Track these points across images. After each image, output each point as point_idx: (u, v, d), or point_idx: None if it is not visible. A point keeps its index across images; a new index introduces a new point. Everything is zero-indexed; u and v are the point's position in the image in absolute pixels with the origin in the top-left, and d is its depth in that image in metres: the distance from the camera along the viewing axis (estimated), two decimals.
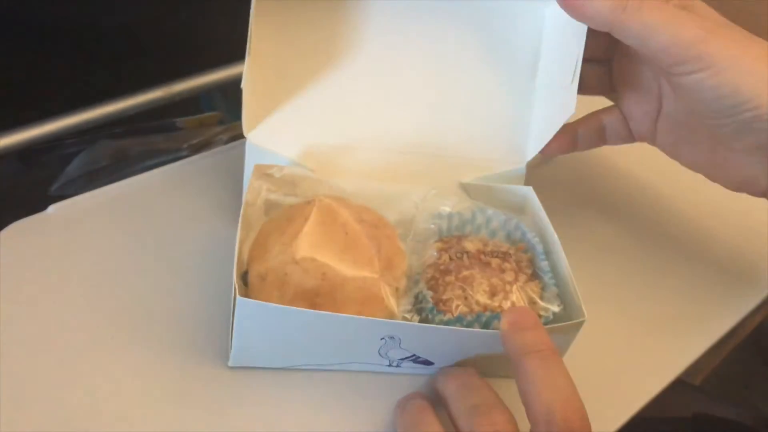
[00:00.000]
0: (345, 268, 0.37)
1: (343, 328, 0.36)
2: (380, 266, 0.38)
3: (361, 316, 0.36)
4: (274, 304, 0.35)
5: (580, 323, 0.37)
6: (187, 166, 0.52)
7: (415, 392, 0.39)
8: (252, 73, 0.43)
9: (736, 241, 0.52)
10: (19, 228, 0.44)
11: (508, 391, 0.36)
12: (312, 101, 0.46)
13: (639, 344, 0.45)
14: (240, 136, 0.45)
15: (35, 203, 0.47)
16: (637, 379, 0.43)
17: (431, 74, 0.48)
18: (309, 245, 0.38)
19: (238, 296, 0.34)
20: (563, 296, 0.40)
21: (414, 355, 0.38)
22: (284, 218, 0.40)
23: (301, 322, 0.36)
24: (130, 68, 0.59)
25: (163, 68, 0.60)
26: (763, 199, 0.44)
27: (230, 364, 0.39)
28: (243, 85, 0.43)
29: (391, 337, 0.37)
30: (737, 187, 0.44)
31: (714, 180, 0.45)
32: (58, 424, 0.36)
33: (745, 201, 0.46)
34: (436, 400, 0.38)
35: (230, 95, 0.66)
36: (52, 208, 0.46)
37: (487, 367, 0.39)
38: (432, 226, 0.43)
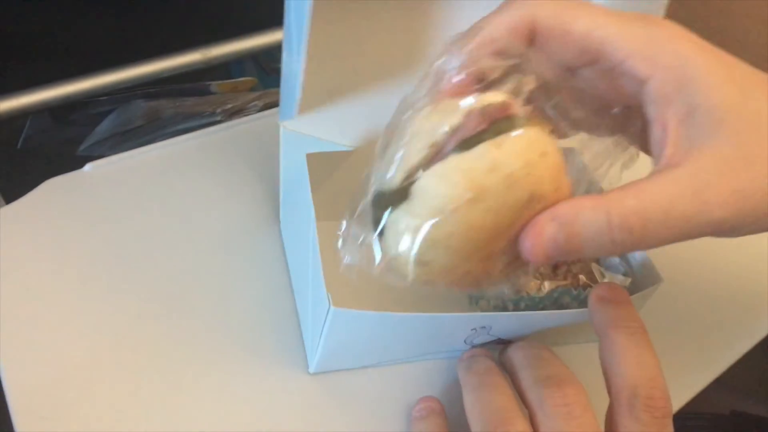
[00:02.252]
0: None
1: (438, 325, 0.36)
2: None
3: (457, 313, 0.35)
4: (373, 312, 0.33)
5: (657, 287, 0.37)
6: (222, 132, 0.51)
7: (479, 349, 0.38)
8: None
9: None
10: (57, 184, 0.43)
11: (569, 357, 0.36)
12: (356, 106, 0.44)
13: (686, 340, 0.44)
14: (274, 104, 0.43)
15: (64, 161, 0.46)
16: (683, 375, 0.42)
17: None
18: None
19: (332, 307, 0.33)
20: (624, 260, 0.40)
21: (498, 338, 0.38)
22: None
23: (396, 324, 0.35)
24: (165, 30, 0.58)
25: (199, 32, 0.58)
26: None
27: (312, 370, 0.38)
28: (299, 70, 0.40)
29: (483, 327, 0.36)
30: None
31: None
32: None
33: None
34: (502, 368, 0.37)
35: (263, 62, 0.65)
36: (89, 166, 0.45)
37: (558, 336, 0.39)
38: None
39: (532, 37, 0.30)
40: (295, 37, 0.37)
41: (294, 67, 0.37)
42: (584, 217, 0.27)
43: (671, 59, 0.27)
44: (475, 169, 0.25)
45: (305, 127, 0.42)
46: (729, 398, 0.54)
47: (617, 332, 0.32)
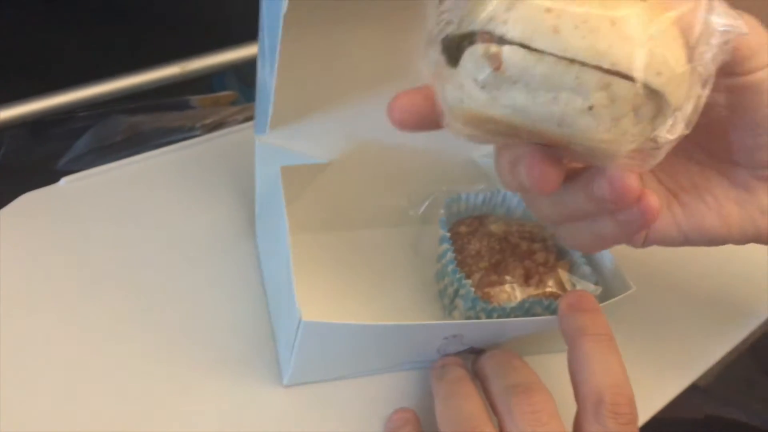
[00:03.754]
0: None
1: (410, 334, 0.36)
2: None
3: (429, 322, 0.36)
4: (344, 323, 0.34)
5: (629, 295, 0.37)
6: (200, 145, 0.51)
7: (451, 358, 0.38)
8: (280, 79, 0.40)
9: (757, 254, 0.52)
10: (31, 199, 0.43)
11: (540, 366, 0.36)
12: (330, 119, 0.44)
13: (658, 347, 0.44)
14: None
15: (43, 176, 0.46)
16: (656, 382, 0.42)
17: None
18: None
19: (302, 319, 0.33)
20: (595, 269, 0.40)
21: (471, 347, 0.38)
22: None
23: (368, 334, 0.35)
24: (145, 44, 0.58)
25: (179, 45, 0.58)
26: None
27: (286, 383, 0.38)
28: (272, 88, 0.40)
29: (455, 336, 0.37)
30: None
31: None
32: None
33: None
34: (473, 377, 0.37)
35: (244, 75, 0.65)
36: (64, 181, 0.45)
37: (527, 346, 0.39)
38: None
39: None
40: (268, 51, 0.37)
41: (268, 81, 0.38)
42: None
43: None
44: None
45: (280, 140, 0.42)
46: (707, 404, 0.54)
47: (585, 340, 0.32)
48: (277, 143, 0.42)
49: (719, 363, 0.47)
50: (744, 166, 0.33)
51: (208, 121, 0.57)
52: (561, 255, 0.42)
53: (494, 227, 0.42)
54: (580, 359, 0.32)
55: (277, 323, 0.39)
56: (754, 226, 0.34)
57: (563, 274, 0.40)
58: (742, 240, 0.34)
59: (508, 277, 0.39)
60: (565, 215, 0.31)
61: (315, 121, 0.42)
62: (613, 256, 0.40)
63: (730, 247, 0.35)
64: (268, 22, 0.37)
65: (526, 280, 0.39)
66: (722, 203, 0.33)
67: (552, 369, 0.37)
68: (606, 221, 0.29)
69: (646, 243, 0.34)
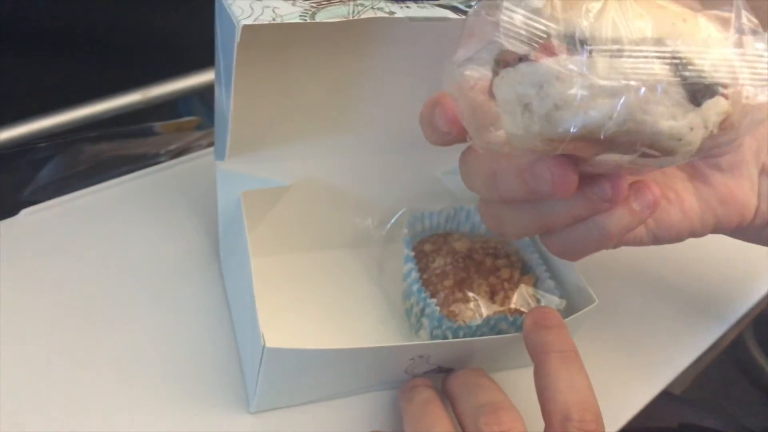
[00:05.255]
0: None
1: (376, 356, 0.36)
2: None
3: (392, 344, 0.36)
4: (311, 348, 0.33)
5: (593, 308, 0.38)
6: (163, 171, 0.51)
7: (420, 379, 0.38)
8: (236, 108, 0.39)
9: (718, 256, 0.52)
10: None
11: (506, 381, 0.36)
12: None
13: (626, 357, 0.44)
14: None
15: (6, 208, 0.45)
16: (625, 392, 0.42)
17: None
18: None
19: (266, 346, 0.33)
20: (560, 283, 0.41)
21: (438, 366, 0.38)
22: None
23: (333, 359, 0.35)
24: (106, 72, 0.58)
25: (141, 72, 0.58)
26: None
27: (252, 410, 0.38)
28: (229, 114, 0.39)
29: (421, 356, 0.36)
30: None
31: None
32: None
33: None
34: (443, 395, 0.37)
35: (208, 100, 0.65)
36: (23, 213, 0.44)
37: (494, 363, 0.39)
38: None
39: None
40: (224, 79, 0.37)
41: (225, 108, 0.38)
42: None
43: None
44: None
45: (240, 166, 0.42)
46: (681, 412, 0.55)
47: (549, 357, 0.32)
48: (237, 169, 0.42)
49: (692, 367, 0.47)
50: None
51: (172, 147, 0.56)
52: (525, 270, 0.42)
53: (458, 244, 0.42)
54: (545, 376, 0.32)
55: (243, 349, 0.39)
56: (713, 215, 0.35)
57: (528, 289, 0.40)
58: (705, 231, 0.35)
59: (472, 295, 0.39)
60: (547, 224, 0.31)
61: (275, 145, 0.42)
62: (576, 268, 0.40)
63: (693, 251, 0.35)
64: (223, 51, 0.37)
65: (492, 296, 0.40)
66: (683, 197, 0.34)
67: (520, 385, 0.37)
68: (592, 224, 0.30)
69: (618, 244, 0.35)
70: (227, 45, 0.35)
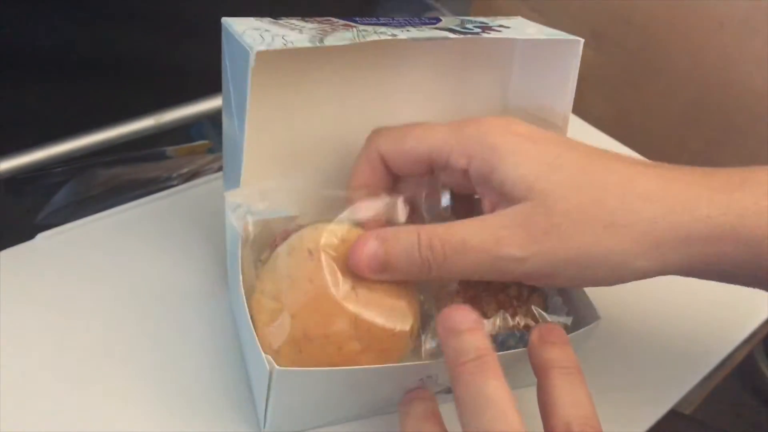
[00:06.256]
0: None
1: (385, 377, 0.36)
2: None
3: (404, 363, 0.36)
4: (319, 369, 0.33)
5: (596, 324, 0.38)
6: (176, 195, 0.51)
7: (419, 391, 0.38)
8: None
9: None
10: (6, 257, 0.43)
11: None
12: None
13: (633, 375, 0.45)
14: None
15: (21, 232, 0.46)
16: (632, 410, 0.42)
17: None
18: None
19: (276, 368, 0.33)
20: (567, 299, 0.41)
21: (448, 387, 0.38)
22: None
23: (344, 381, 0.35)
24: (120, 98, 0.59)
25: (153, 97, 0.59)
26: None
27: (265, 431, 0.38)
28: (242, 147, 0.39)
29: (429, 377, 0.37)
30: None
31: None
32: None
33: None
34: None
35: (219, 124, 0.66)
36: (39, 237, 0.45)
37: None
38: None
39: (386, 164, 0.37)
40: (236, 107, 0.38)
41: (237, 136, 0.38)
42: (400, 235, 0.34)
43: (481, 150, 0.34)
44: None
45: (248, 197, 0.42)
46: (685, 430, 0.54)
47: (553, 373, 0.33)
48: (245, 200, 0.42)
49: (701, 386, 0.47)
50: None
51: (184, 171, 0.57)
52: (534, 288, 0.42)
53: None
54: (548, 391, 0.33)
55: (251, 372, 0.39)
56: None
57: (537, 307, 0.40)
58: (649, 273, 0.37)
59: (482, 312, 0.39)
60: None
61: (283, 176, 0.42)
62: None
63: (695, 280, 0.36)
64: (233, 81, 0.38)
65: (501, 314, 0.40)
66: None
67: (526, 403, 0.38)
68: None
69: None
70: (238, 74, 0.35)
